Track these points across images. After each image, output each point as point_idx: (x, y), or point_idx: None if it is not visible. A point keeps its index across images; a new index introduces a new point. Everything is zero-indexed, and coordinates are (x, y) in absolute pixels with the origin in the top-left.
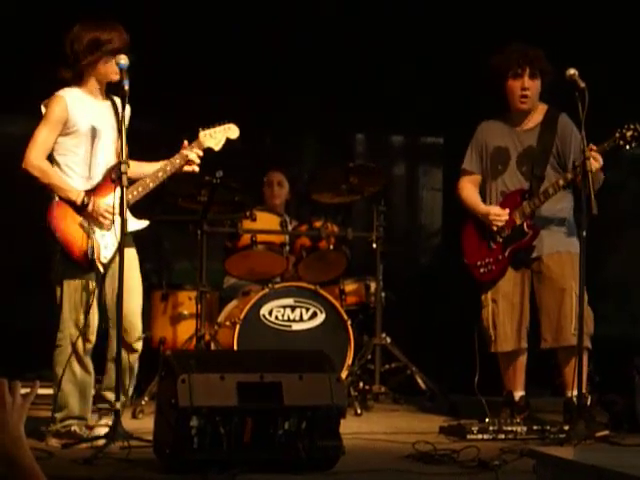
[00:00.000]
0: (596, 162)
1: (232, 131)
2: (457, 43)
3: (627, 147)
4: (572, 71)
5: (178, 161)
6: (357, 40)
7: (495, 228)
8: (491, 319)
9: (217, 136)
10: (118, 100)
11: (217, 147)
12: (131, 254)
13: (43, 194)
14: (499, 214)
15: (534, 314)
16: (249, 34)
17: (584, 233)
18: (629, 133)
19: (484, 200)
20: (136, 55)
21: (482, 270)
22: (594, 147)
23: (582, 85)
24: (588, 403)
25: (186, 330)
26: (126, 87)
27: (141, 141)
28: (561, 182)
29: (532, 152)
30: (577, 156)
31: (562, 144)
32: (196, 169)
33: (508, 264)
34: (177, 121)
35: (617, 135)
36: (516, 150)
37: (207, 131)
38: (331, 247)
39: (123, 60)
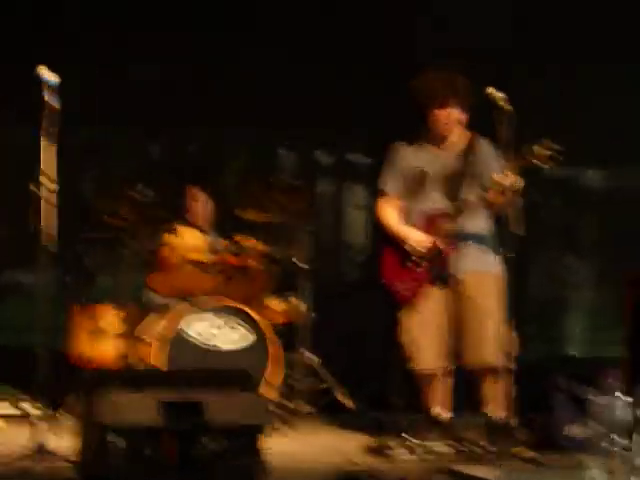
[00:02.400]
0: (507, 179)
1: None
2: (382, 62)
3: (543, 166)
4: (491, 89)
5: None
6: (285, 56)
7: (416, 253)
8: (411, 338)
9: None
10: None
11: None
12: None
13: None
14: (419, 240)
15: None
16: (171, 47)
17: (508, 253)
18: (543, 151)
19: (406, 221)
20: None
21: (400, 291)
22: (507, 166)
23: (501, 103)
24: (512, 424)
25: (106, 345)
26: (56, 106)
27: None
28: (472, 198)
29: (453, 174)
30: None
31: (482, 166)
32: None
33: (428, 284)
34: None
35: (529, 153)
36: (437, 172)
37: None
38: (257, 265)
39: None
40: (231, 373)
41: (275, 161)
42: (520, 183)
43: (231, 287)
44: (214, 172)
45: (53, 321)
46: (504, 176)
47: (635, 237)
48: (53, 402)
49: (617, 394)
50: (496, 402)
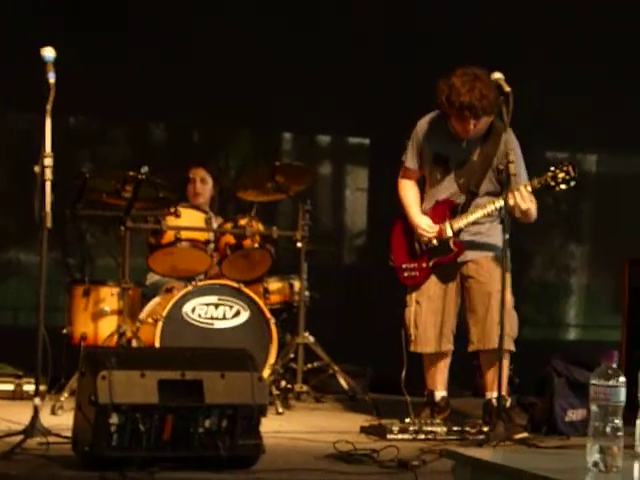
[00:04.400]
0: (523, 201)
1: None
2: (383, 46)
3: (556, 188)
4: (497, 75)
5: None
6: (285, 39)
7: (422, 240)
8: (413, 319)
9: None
10: None
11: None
12: None
13: None
14: (427, 230)
15: (463, 316)
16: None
17: (507, 236)
18: (561, 175)
19: (422, 200)
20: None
21: (406, 274)
22: (525, 186)
23: (507, 89)
24: (507, 405)
25: (108, 327)
26: (51, 80)
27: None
28: (497, 204)
29: (471, 165)
30: (517, 175)
31: (502, 159)
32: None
33: (431, 273)
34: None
35: (549, 174)
36: (456, 160)
37: None
38: (255, 245)
39: (48, 52)
40: (230, 352)
41: (277, 144)
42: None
43: (230, 267)
44: (216, 154)
45: (54, 301)
46: (521, 193)
47: (634, 222)
48: (54, 382)
49: (616, 377)
50: (496, 384)
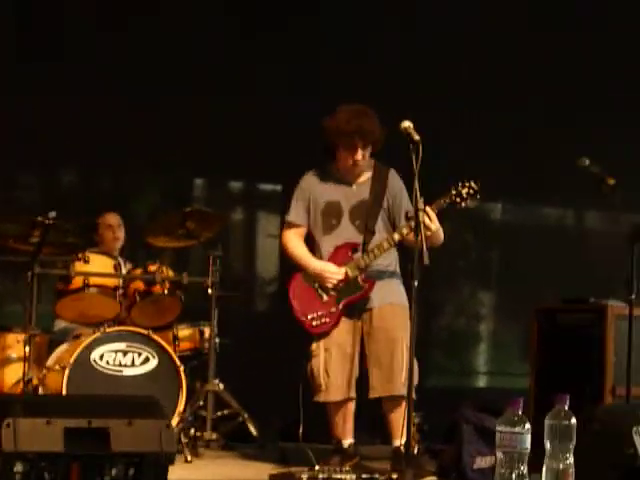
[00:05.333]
0: (431, 222)
1: None
2: (292, 94)
3: (463, 204)
4: (407, 124)
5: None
6: (201, 84)
7: (330, 285)
8: (322, 368)
9: None
10: None
11: None
12: None
13: None
14: (334, 272)
15: (362, 363)
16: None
17: (416, 283)
18: (464, 190)
19: (314, 253)
20: None
21: (315, 323)
22: (432, 206)
23: (417, 137)
24: (416, 452)
25: (14, 374)
26: None
27: None
28: (396, 237)
29: (364, 206)
30: (408, 210)
31: (392, 199)
32: None
33: (342, 316)
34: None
35: (453, 192)
36: (349, 203)
37: None
38: (165, 291)
39: None
40: (138, 400)
41: (188, 190)
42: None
43: (139, 313)
44: (127, 200)
45: None
46: (422, 211)
47: (542, 271)
48: None
49: (522, 424)
50: (402, 430)
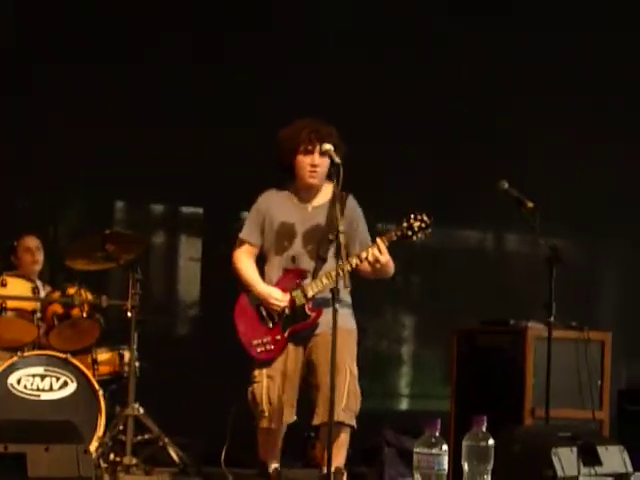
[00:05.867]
0: (381, 254)
1: None
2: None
3: (414, 238)
4: (327, 146)
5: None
6: (122, 109)
7: (275, 311)
8: (265, 395)
9: None
10: None
11: None
12: None
13: None
14: (280, 299)
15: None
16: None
17: (337, 306)
18: (416, 224)
19: (263, 274)
20: None
21: (259, 350)
22: (383, 239)
23: (337, 160)
24: (344, 478)
25: None
26: None
27: None
28: (346, 267)
29: (318, 231)
30: (363, 238)
31: (348, 226)
32: None
33: (287, 343)
34: None
35: (404, 225)
36: (303, 227)
37: None
38: (84, 315)
39: None
40: (56, 425)
41: (109, 212)
42: (386, 257)
43: (58, 337)
44: (46, 222)
45: None
46: (379, 246)
47: (463, 293)
48: None
49: (439, 445)
50: (335, 457)
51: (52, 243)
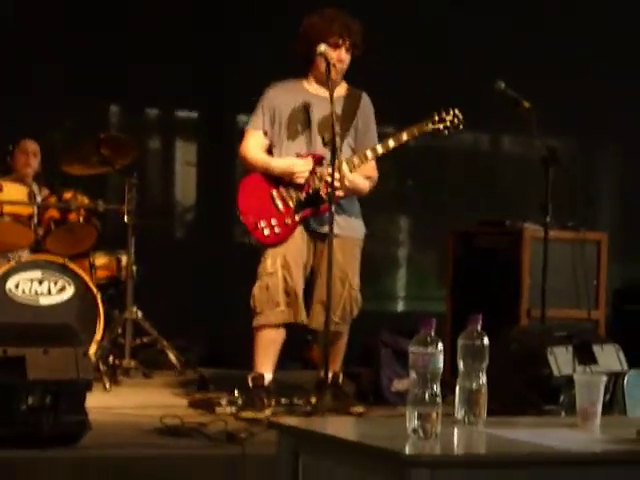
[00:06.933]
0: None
1: None
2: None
3: (445, 132)
4: (322, 47)
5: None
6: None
7: (300, 181)
8: (282, 287)
9: None
10: None
11: None
12: None
13: None
14: (303, 166)
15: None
16: None
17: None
18: (449, 117)
19: None
20: None
21: (266, 232)
22: (414, 129)
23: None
24: (340, 381)
25: None
26: None
27: None
28: (369, 154)
29: (333, 121)
30: (375, 135)
31: (363, 122)
32: None
33: (296, 229)
34: None
35: (436, 118)
36: (318, 114)
37: None
38: (81, 219)
39: None
40: (54, 328)
41: (104, 117)
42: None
43: (55, 242)
44: (41, 126)
45: None
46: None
47: (459, 196)
48: None
49: (435, 344)
50: (332, 362)
51: (49, 149)
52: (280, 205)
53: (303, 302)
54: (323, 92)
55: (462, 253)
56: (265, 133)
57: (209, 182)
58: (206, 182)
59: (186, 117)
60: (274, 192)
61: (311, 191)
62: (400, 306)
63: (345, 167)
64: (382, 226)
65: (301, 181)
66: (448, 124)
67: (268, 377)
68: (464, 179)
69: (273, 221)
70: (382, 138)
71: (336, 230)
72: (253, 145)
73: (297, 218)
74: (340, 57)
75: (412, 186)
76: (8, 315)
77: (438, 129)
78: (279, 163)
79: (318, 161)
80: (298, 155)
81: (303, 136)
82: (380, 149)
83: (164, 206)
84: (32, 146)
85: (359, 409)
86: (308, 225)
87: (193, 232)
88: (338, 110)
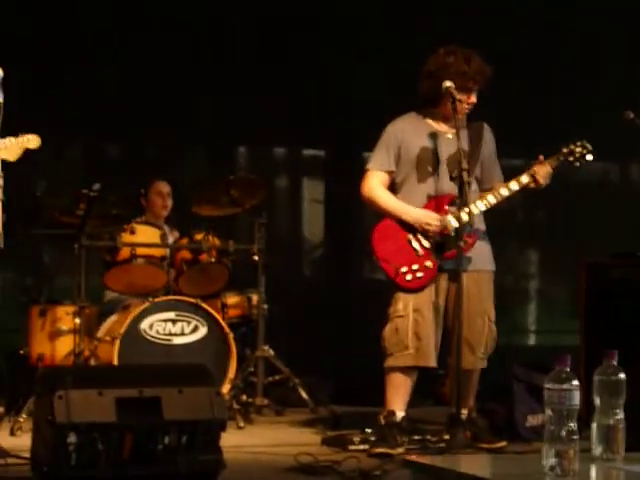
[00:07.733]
0: (545, 179)
1: (31, 142)
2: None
3: (576, 163)
4: (448, 84)
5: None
6: (233, 51)
7: (432, 233)
8: (412, 330)
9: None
10: None
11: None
12: None
13: None
14: (436, 220)
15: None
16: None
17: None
18: (578, 149)
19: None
20: None
21: (408, 277)
22: (542, 159)
23: (458, 97)
24: (475, 417)
25: (65, 346)
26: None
27: None
28: (514, 186)
29: (461, 157)
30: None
31: (488, 154)
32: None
33: (437, 273)
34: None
35: (565, 150)
36: (446, 152)
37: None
38: (212, 260)
39: None
40: (188, 368)
41: (233, 158)
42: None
43: (187, 282)
44: (171, 170)
45: (11, 322)
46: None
47: (589, 227)
48: (12, 403)
49: (570, 380)
50: (466, 397)
51: (178, 191)
52: (419, 249)
53: (437, 346)
54: (447, 128)
55: (595, 285)
56: (389, 172)
57: (336, 219)
58: (333, 219)
59: (313, 155)
60: (410, 237)
61: (449, 232)
62: (532, 340)
63: (480, 204)
64: (512, 258)
65: (432, 233)
66: (578, 155)
67: (400, 414)
68: (594, 209)
69: (414, 266)
70: (507, 171)
71: (476, 265)
72: (378, 186)
73: (437, 262)
74: (471, 100)
75: (542, 218)
76: (142, 355)
77: (569, 161)
78: (413, 212)
79: (450, 202)
80: (430, 197)
81: (433, 176)
82: (514, 186)
83: (292, 244)
84: (166, 188)
85: (500, 443)
86: (440, 266)
87: (321, 269)
88: (464, 145)
